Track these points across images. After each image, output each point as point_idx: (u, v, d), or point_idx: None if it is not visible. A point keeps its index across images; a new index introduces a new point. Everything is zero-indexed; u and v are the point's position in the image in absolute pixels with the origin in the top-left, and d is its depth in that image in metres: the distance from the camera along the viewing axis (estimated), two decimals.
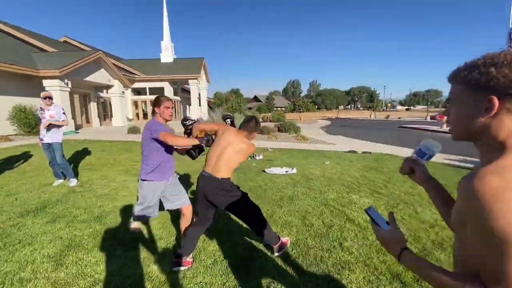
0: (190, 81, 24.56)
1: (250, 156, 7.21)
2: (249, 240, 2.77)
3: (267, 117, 31.63)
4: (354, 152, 8.73)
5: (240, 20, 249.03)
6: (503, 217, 0.56)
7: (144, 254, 2.50)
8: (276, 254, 2.45)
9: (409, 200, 4.01)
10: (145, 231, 2.94)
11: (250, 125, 2.34)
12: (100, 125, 18.68)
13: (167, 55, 26.90)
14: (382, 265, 2.34)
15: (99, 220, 3.19)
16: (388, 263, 2.37)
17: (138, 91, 26.61)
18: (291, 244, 2.68)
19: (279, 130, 15.79)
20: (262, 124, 19.44)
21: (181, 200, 2.60)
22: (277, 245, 2.44)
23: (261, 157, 7.09)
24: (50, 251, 2.51)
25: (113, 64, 18.78)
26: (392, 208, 3.69)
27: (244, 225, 3.05)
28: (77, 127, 15.06)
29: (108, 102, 20.19)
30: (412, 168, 1.01)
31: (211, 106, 31.36)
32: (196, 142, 2.31)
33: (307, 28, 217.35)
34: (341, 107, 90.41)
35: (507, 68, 0.64)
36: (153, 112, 2.49)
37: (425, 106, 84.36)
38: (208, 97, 37.57)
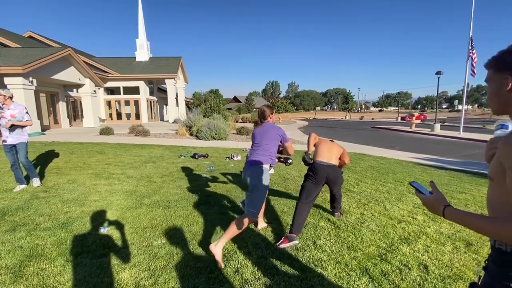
0: (167, 80, 23.97)
1: (228, 157, 7.17)
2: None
3: (246, 118, 31.69)
4: None
5: (220, 20, 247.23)
6: None
7: (114, 261, 2.40)
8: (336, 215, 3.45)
9: (379, 198, 4.20)
10: (115, 237, 2.82)
11: None
12: (70, 126, 17.70)
13: (142, 53, 26.06)
14: (353, 261, 2.43)
15: (64, 227, 3.01)
16: (359, 259, 2.46)
17: (111, 91, 25.52)
18: (265, 244, 2.70)
19: None
20: (241, 125, 19.45)
21: None
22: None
23: (239, 157, 7.08)
24: (8, 262, 2.33)
25: (84, 62, 17.86)
26: (363, 206, 3.83)
27: (218, 227, 3.03)
28: (44, 128, 14.13)
29: (78, 101, 19.19)
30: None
31: (189, 107, 30.83)
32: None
33: (286, 30, 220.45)
34: (318, 108, 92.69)
35: None
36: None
37: (396, 108, 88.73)
38: (186, 97, 36.95)
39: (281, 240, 2.72)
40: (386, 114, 67.36)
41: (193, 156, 7.12)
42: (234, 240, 2.67)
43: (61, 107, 17.07)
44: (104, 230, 2.95)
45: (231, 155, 7.20)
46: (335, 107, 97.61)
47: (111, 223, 3.14)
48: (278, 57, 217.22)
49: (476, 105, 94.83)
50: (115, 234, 2.88)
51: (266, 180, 2.50)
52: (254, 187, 2.47)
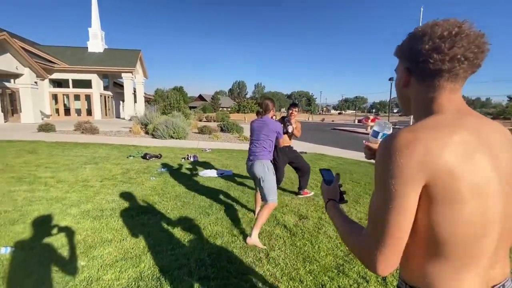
0: (123, 74, 22.25)
1: (183, 158, 6.63)
2: (156, 264, 2.32)
3: (210, 117, 30.83)
4: None
5: (186, 17, 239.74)
6: (386, 169, 0.56)
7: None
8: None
9: None
10: (18, 260, 2.22)
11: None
12: (5, 121, 15.35)
13: (96, 43, 23.86)
14: (308, 276, 2.17)
15: None
16: (315, 273, 2.21)
17: (59, 83, 22.92)
18: (210, 261, 2.33)
19: (221, 130, 15.35)
20: (204, 123, 18.71)
21: None
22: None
23: (196, 158, 6.58)
24: None
25: (23, 48, 15.71)
26: (321, 209, 3.66)
27: (155, 241, 2.58)
28: None
29: (17, 94, 16.80)
30: (374, 152, 1.00)
31: (150, 104, 29.04)
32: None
33: (256, 29, 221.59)
34: (283, 109, 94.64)
35: (418, 41, 0.62)
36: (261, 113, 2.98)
37: (354, 111, 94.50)
38: (147, 93, 34.84)
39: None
40: (344, 116, 71.15)
41: (144, 157, 6.45)
42: (175, 262, 2.25)
43: None
44: (6, 251, 2.33)
45: (187, 155, 6.67)
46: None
47: (18, 242, 2.50)
48: (246, 57, 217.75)
49: None
50: (18, 257, 2.27)
51: (270, 169, 2.78)
52: (262, 179, 2.72)
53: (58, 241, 2.54)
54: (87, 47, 23.82)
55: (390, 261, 0.56)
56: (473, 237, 0.55)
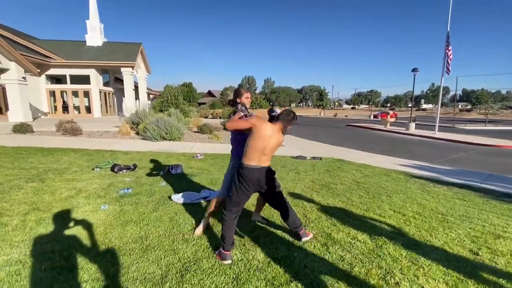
0: (123, 69, 20.98)
1: (164, 170, 5.14)
2: None
3: (216, 113, 29.34)
4: (303, 158, 7.30)
5: (194, 12, 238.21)
6: None
7: None
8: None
9: (383, 255, 2.50)
10: None
11: (288, 119, 2.43)
12: None
13: (94, 36, 22.66)
14: None
15: None
16: None
17: (58, 79, 21.95)
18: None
19: (225, 129, 13.83)
20: (208, 121, 17.17)
21: None
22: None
23: (178, 170, 5.08)
24: None
25: (13, 41, 14.63)
26: (358, 274, 2.09)
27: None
28: None
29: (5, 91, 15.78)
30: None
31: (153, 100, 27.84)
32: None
33: (264, 24, 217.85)
34: (293, 104, 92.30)
35: None
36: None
37: (367, 105, 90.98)
38: (153, 90, 33.73)
39: None
40: (358, 111, 68.36)
41: (112, 169, 5.01)
42: None
43: None
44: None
45: (169, 167, 5.15)
46: (310, 104, 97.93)
47: None
48: (256, 52, 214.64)
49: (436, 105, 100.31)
50: None
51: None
52: None
53: None
54: (85, 41, 22.68)
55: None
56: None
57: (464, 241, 2.75)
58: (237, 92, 2.72)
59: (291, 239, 2.68)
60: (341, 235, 2.78)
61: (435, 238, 2.78)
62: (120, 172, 4.93)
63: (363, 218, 3.29)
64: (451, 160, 8.50)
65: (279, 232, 2.82)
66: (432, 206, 3.78)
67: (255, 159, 2.30)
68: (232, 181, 2.41)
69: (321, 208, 3.58)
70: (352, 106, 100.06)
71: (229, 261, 2.26)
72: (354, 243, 2.63)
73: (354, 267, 2.23)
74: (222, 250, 2.29)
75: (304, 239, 2.60)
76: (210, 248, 2.49)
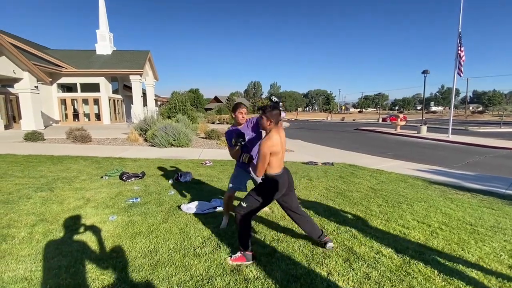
0: (131, 77, 21.24)
1: (173, 178, 5.03)
2: None
3: (223, 119, 29.35)
4: (314, 164, 7.09)
5: (203, 20, 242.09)
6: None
7: None
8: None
9: (409, 270, 2.29)
10: None
11: (274, 113, 2.33)
12: (6, 129, 14.61)
13: (104, 46, 23.11)
14: None
15: None
16: None
17: (69, 88, 22.37)
18: None
19: None
20: (215, 126, 17.13)
21: None
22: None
23: (187, 178, 4.96)
24: None
25: (26, 51, 14.97)
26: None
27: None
28: None
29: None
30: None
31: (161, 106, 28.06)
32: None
33: (271, 29, 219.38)
34: (299, 109, 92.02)
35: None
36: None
37: (375, 109, 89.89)
38: (160, 96, 34.07)
39: None
40: (366, 115, 67.58)
41: (121, 177, 4.92)
42: None
43: None
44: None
45: (178, 174, 5.04)
46: (316, 108, 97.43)
47: None
48: (261, 57, 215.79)
49: (448, 107, 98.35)
50: None
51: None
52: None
53: None
54: (95, 50, 23.12)
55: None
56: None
57: (500, 255, 2.51)
58: (233, 107, 2.91)
59: (309, 253, 2.50)
60: (363, 249, 2.58)
61: (468, 252, 2.55)
62: (129, 180, 4.84)
63: (385, 229, 3.08)
64: (469, 164, 8.15)
65: (296, 245, 2.64)
66: (459, 215, 3.53)
67: (280, 166, 2.38)
68: (255, 190, 2.41)
69: (339, 218, 3.38)
70: (359, 109, 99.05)
71: (251, 261, 2.32)
72: (379, 258, 2.42)
73: (383, 287, 2.03)
74: (246, 252, 2.32)
75: (329, 245, 2.54)
76: (222, 265, 2.33)
